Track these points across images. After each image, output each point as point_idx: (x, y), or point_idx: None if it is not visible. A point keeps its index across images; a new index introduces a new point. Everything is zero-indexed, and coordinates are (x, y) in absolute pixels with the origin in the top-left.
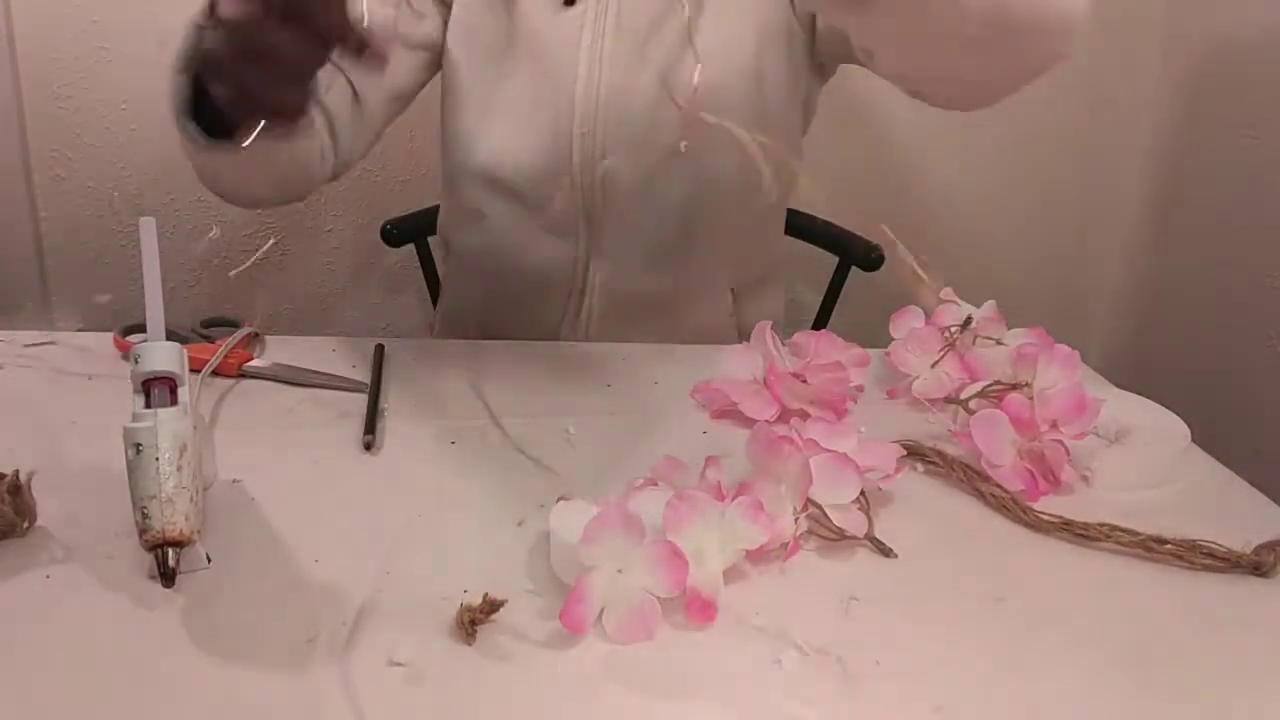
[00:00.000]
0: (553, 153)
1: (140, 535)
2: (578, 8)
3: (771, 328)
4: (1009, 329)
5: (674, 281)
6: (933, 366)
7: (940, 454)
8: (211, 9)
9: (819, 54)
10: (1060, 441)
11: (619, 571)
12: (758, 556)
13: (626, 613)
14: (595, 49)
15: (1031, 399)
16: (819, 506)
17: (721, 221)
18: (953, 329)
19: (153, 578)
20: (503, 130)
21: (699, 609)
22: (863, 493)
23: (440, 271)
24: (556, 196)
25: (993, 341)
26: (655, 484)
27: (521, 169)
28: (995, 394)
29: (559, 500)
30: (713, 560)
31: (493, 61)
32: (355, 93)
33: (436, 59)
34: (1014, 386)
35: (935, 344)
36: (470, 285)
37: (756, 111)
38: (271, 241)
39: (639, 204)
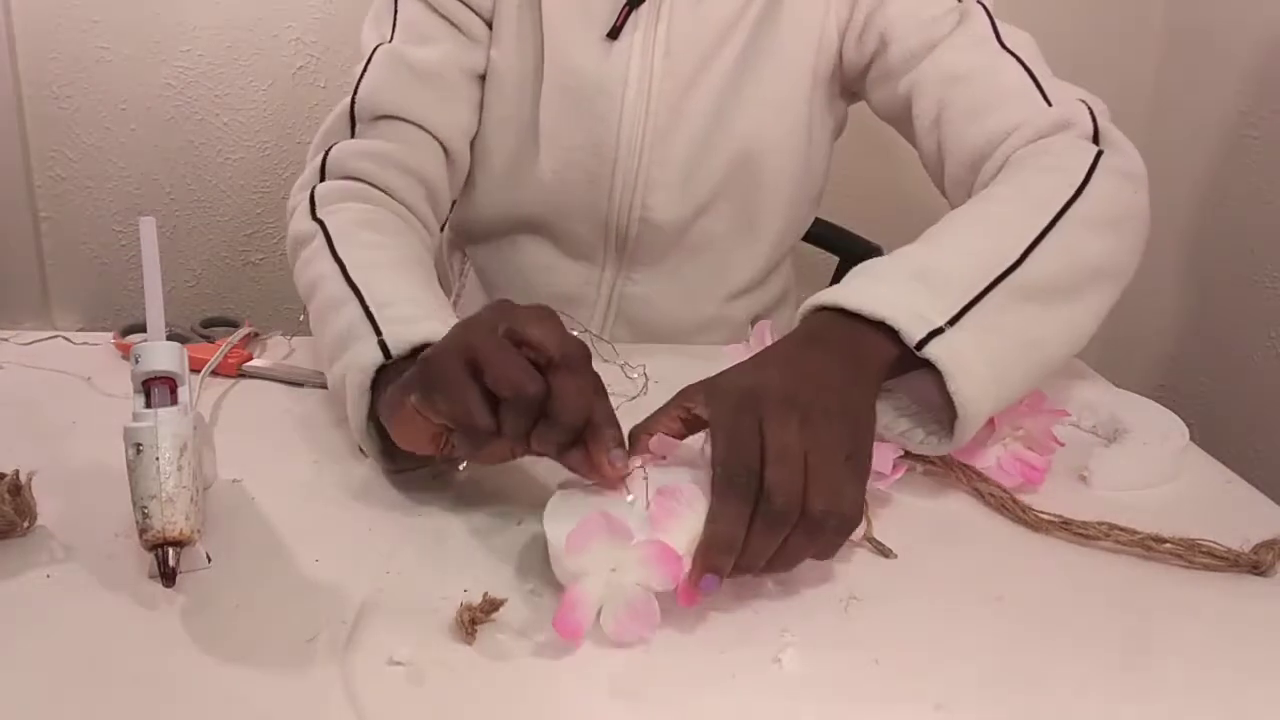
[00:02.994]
0: (590, 191)
1: (140, 535)
2: (623, 41)
3: (770, 327)
4: None
5: (698, 312)
6: None
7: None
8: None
9: (855, 93)
10: (1036, 418)
11: (612, 571)
12: None
13: (624, 613)
14: (643, 86)
15: None
16: None
17: (758, 258)
18: None
19: (153, 578)
20: (537, 165)
21: (689, 593)
22: None
23: (453, 278)
24: (588, 230)
25: None
26: (650, 461)
27: (554, 205)
28: None
29: (557, 489)
30: None
31: (525, 90)
32: (445, 151)
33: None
34: None
35: None
36: (488, 297)
37: (802, 161)
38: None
39: (674, 241)
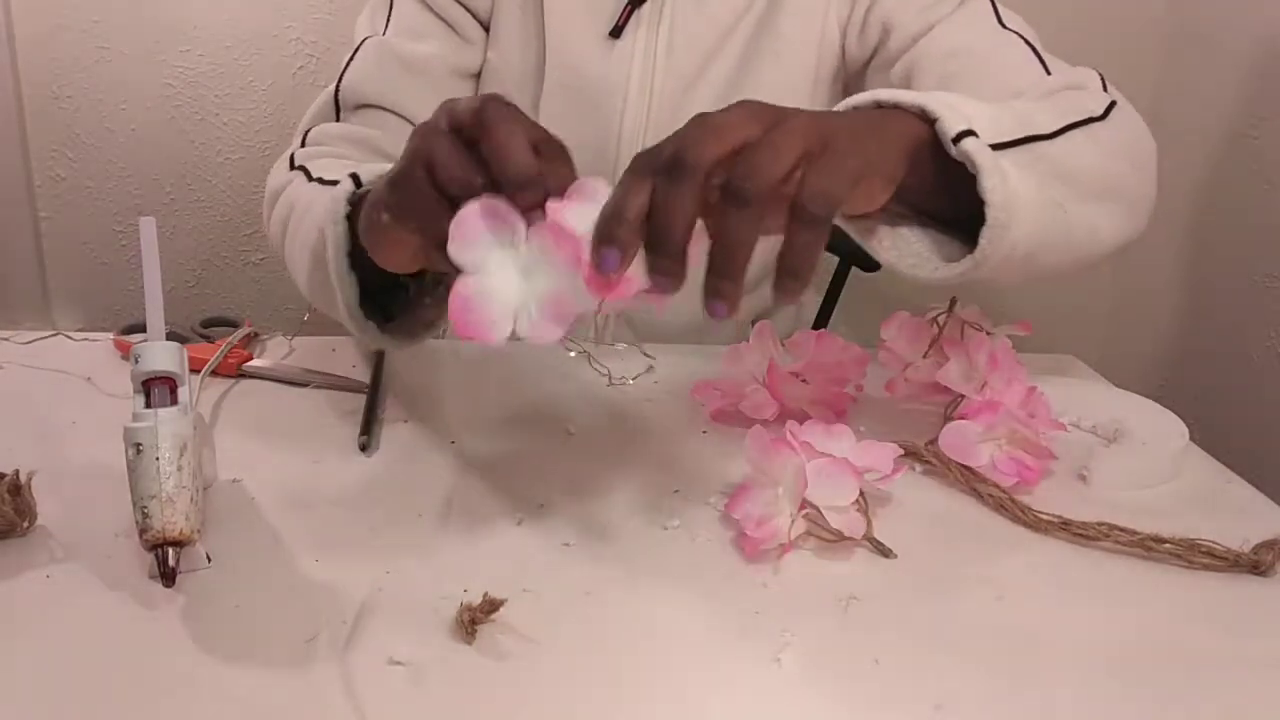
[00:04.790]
0: None
1: (140, 535)
2: (625, 40)
3: (771, 328)
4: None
5: (699, 312)
6: (924, 356)
7: (938, 454)
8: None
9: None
10: (1029, 411)
11: (519, 276)
12: (755, 556)
13: (536, 311)
14: (645, 85)
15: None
16: (817, 509)
17: (758, 257)
18: (940, 317)
19: (153, 578)
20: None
21: (595, 279)
22: (861, 493)
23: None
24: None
25: (981, 330)
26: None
27: None
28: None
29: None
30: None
31: (525, 91)
32: None
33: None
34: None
35: (925, 334)
36: None
37: None
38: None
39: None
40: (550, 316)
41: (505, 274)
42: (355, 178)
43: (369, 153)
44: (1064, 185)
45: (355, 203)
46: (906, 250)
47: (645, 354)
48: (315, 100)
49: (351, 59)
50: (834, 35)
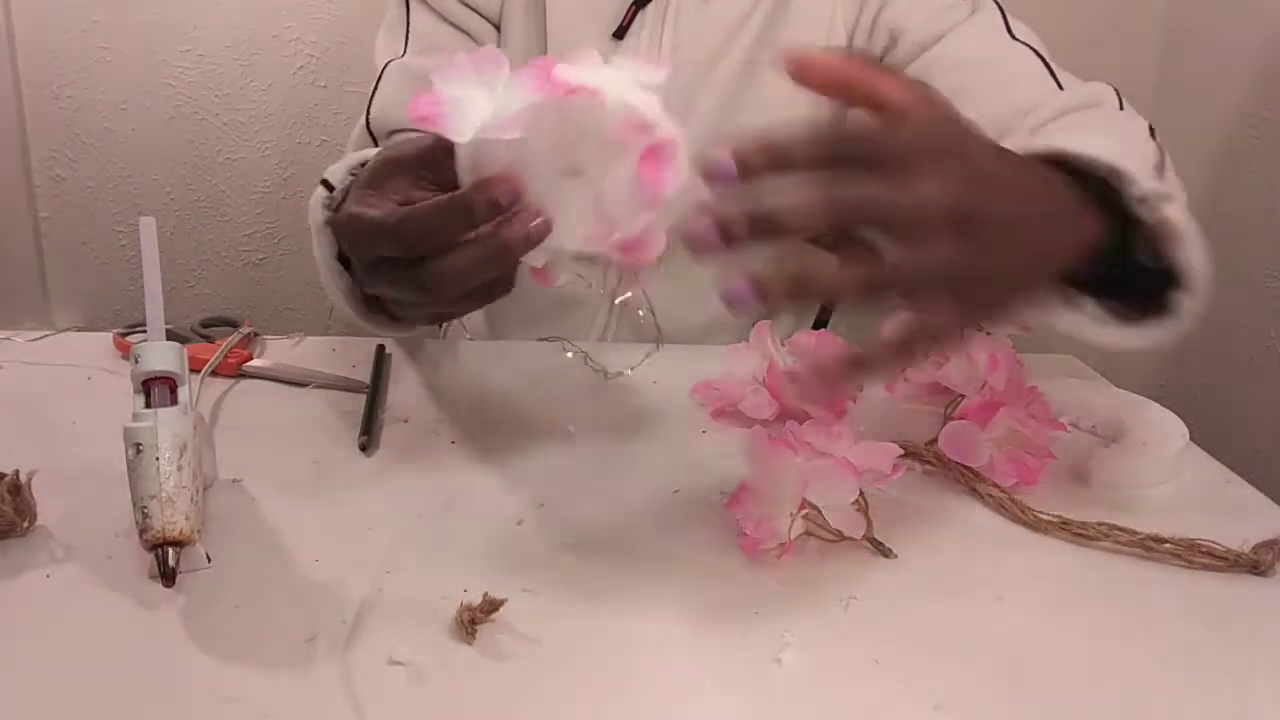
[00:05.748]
0: None
1: (140, 535)
2: (629, 42)
3: (771, 329)
4: None
5: (700, 314)
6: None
7: (938, 454)
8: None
9: None
10: (1029, 411)
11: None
12: (755, 556)
13: (501, 118)
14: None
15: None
16: (817, 509)
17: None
18: None
19: (153, 578)
20: None
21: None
22: (861, 493)
23: None
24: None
25: (981, 330)
26: None
27: None
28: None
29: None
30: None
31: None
32: None
33: None
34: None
35: None
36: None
37: None
38: None
39: (676, 243)
40: (513, 120)
41: (480, 99)
42: (325, 182)
43: None
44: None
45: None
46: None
47: (656, 329)
48: (351, 134)
49: (376, 87)
50: (840, 37)
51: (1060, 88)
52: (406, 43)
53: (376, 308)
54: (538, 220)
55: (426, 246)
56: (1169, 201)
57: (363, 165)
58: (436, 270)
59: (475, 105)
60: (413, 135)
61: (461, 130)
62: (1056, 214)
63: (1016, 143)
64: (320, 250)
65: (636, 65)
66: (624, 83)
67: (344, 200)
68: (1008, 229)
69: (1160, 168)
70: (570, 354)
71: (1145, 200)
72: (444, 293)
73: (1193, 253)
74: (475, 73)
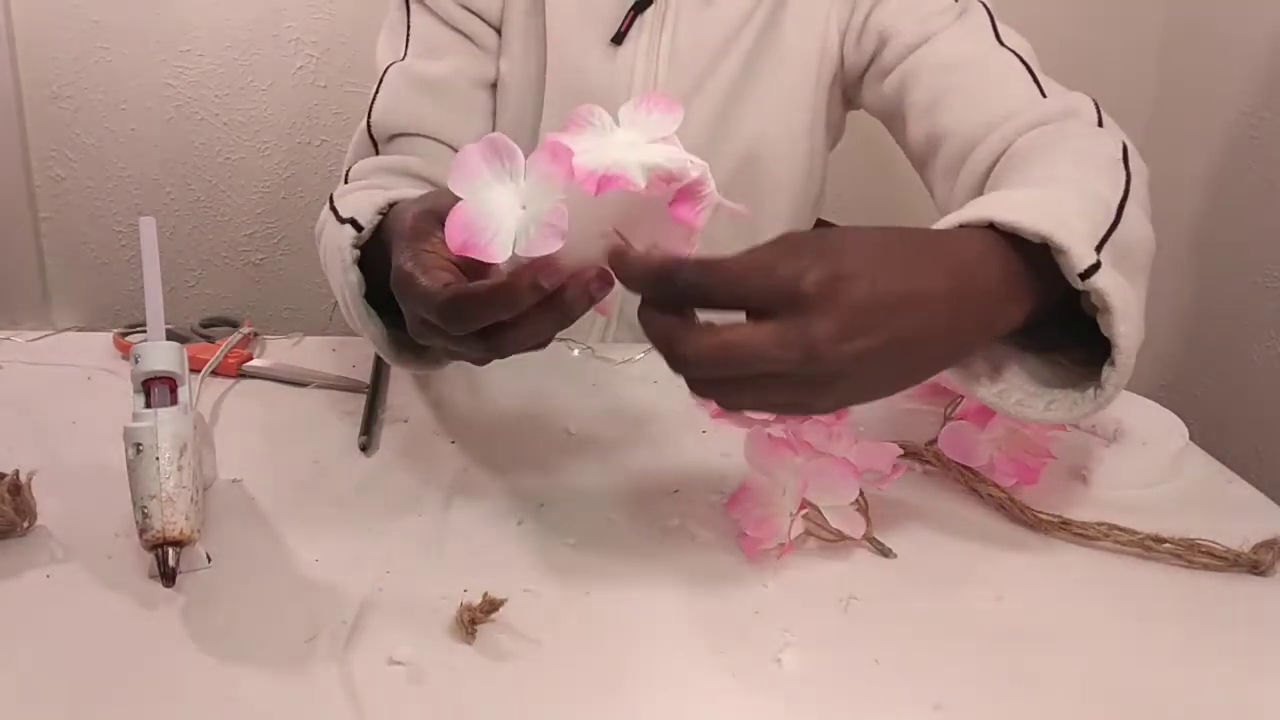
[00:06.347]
0: None
1: (140, 535)
2: (628, 47)
3: None
4: None
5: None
6: None
7: (937, 454)
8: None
9: (853, 98)
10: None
11: (522, 208)
12: (755, 556)
13: (534, 228)
14: (647, 91)
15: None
16: (817, 509)
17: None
18: None
19: (153, 578)
20: None
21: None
22: (861, 493)
23: None
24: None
25: None
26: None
27: None
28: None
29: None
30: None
31: (528, 97)
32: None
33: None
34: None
35: None
36: None
37: (804, 164)
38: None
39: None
40: (548, 231)
41: (505, 201)
42: (354, 221)
43: (406, 179)
44: (1139, 274)
45: (363, 246)
46: (1009, 391)
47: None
48: (353, 138)
49: (377, 91)
50: (834, 40)
51: (1043, 95)
52: (407, 45)
53: (404, 344)
54: (594, 276)
55: (473, 328)
56: (1102, 271)
57: (390, 206)
58: (500, 337)
59: (502, 206)
60: (444, 183)
61: (502, 248)
62: (970, 295)
63: (975, 168)
64: (348, 290)
65: (648, 118)
66: (640, 144)
67: (372, 239)
68: (905, 343)
69: (1123, 202)
70: (576, 352)
71: (1077, 271)
72: (505, 352)
73: (1122, 325)
74: (487, 165)
